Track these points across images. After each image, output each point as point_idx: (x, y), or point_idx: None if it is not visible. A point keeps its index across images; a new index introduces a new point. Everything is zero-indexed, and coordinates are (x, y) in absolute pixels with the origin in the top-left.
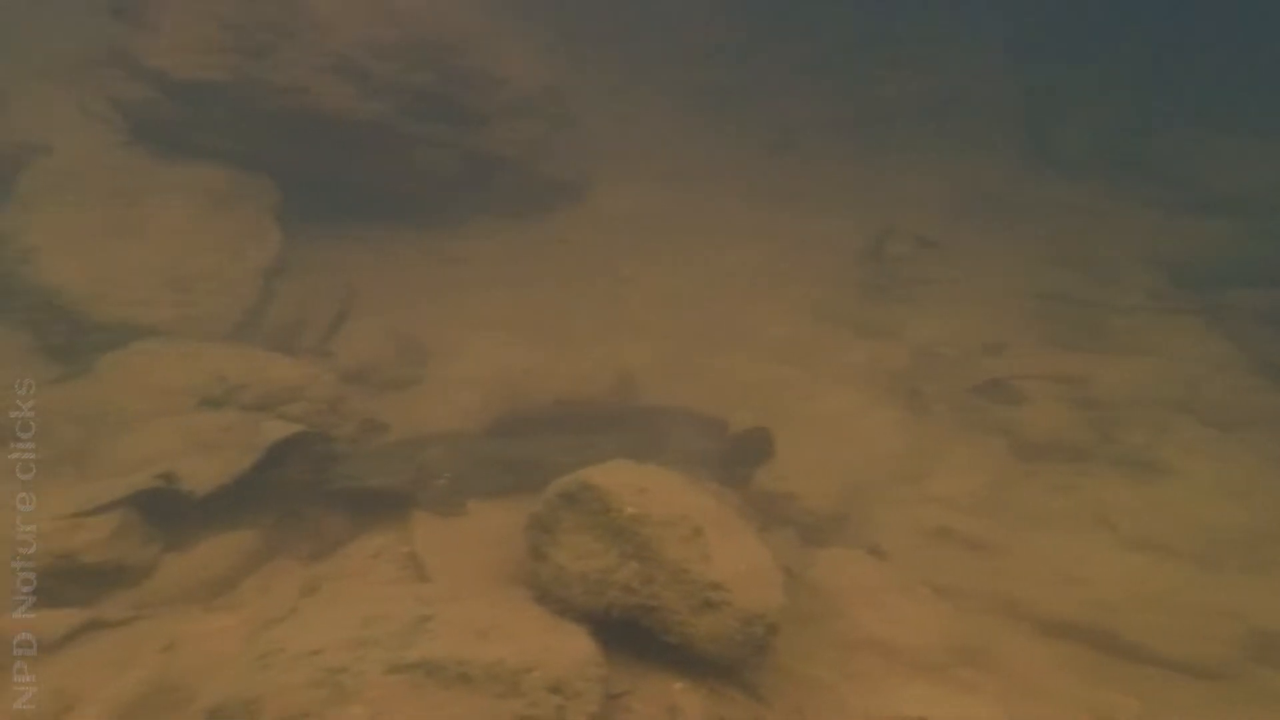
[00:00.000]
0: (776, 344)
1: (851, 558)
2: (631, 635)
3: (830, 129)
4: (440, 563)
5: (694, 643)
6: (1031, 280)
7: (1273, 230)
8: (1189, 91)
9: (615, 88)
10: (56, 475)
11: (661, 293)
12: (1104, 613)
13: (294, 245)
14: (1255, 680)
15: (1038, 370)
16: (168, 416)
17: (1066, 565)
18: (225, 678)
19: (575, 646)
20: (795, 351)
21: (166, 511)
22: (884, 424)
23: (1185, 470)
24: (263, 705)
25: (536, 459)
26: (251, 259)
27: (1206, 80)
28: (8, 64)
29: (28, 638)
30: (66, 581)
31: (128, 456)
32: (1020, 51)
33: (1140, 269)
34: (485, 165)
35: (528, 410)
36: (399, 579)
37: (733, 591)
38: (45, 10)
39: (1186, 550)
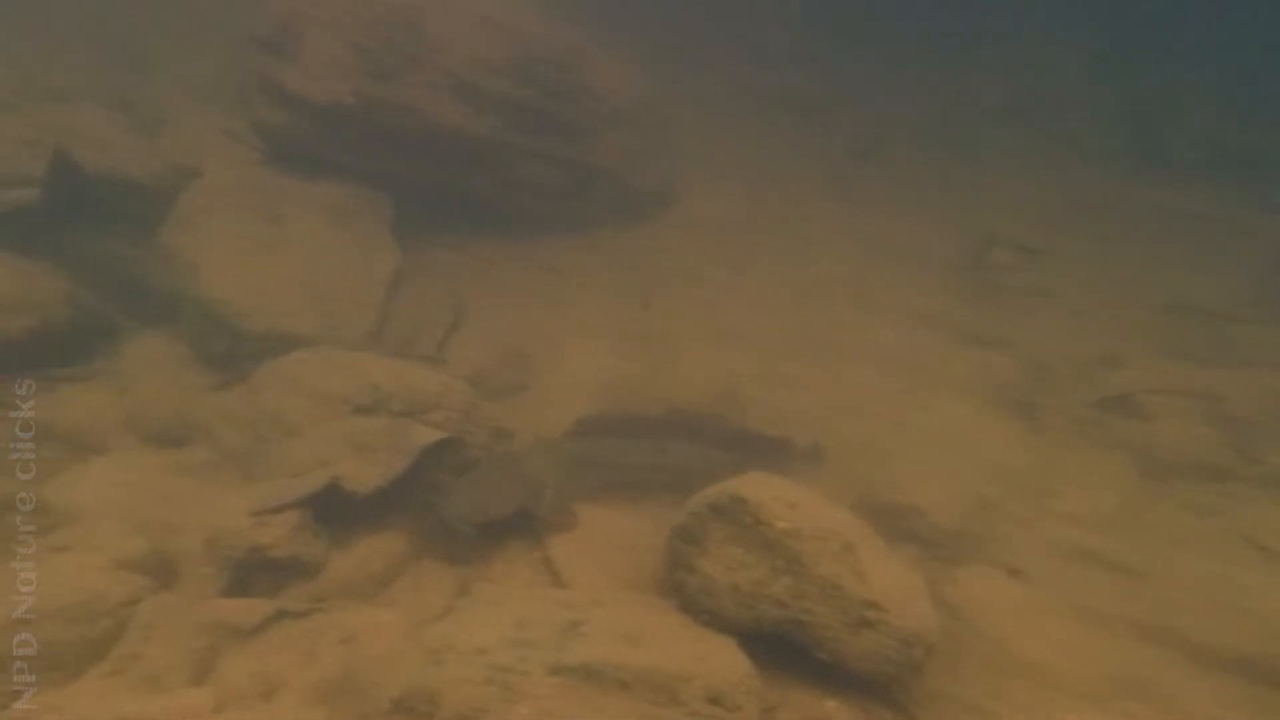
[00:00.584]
0: (879, 353)
1: (989, 577)
2: (778, 649)
3: (915, 134)
4: (573, 568)
5: (848, 661)
6: (1145, 289)
7: None
8: None
9: (699, 96)
10: (219, 476)
11: (757, 300)
12: (1275, 645)
13: (405, 256)
14: None
15: (1164, 385)
16: (326, 422)
17: (1223, 592)
18: (404, 671)
19: (729, 658)
20: (899, 361)
21: (331, 511)
22: (1000, 437)
23: None
24: (442, 698)
25: (620, 461)
26: (375, 271)
27: None
28: (163, 90)
29: (233, 622)
30: (256, 573)
31: (295, 458)
32: (1120, 53)
33: (1261, 277)
34: (583, 176)
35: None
36: (536, 583)
37: (889, 611)
38: (193, 40)
39: None
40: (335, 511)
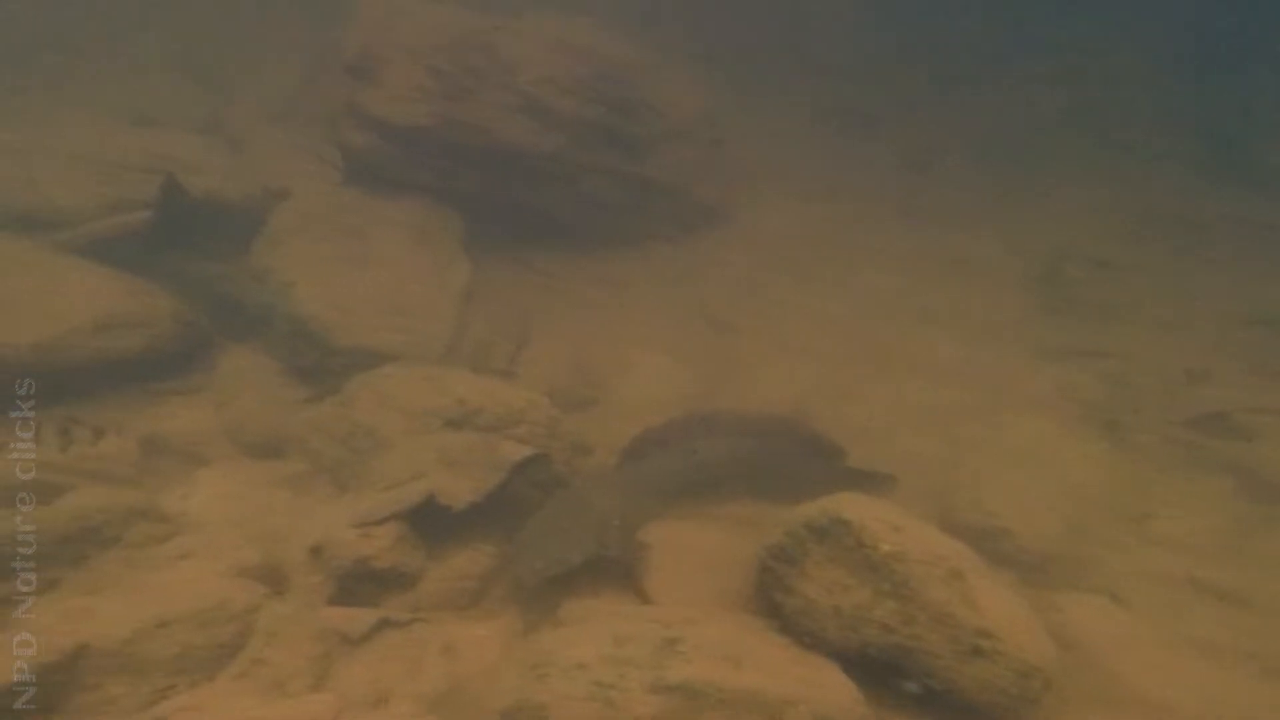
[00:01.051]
0: (950, 369)
1: (1092, 604)
2: (879, 674)
3: (974, 146)
4: (659, 587)
5: (960, 691)
6: (1226, 302)
7: None
8: None
9: (753, 108)
10: (314, 487)
11: (819, 314)
12: None
13: (474, 271)
14: None
15: (1262, 404)
16: (417, 436)
17: None
18: (507, 684)
19: (835, 682)
20: (972, 377)
21: (426, 524)
22: (1085, 457)
23: None
24: (549, 712)
25: (660, 472)
26: (450, 287)
27: None
28: (242, 113)
29: (344, 630)
30: (360, 583)
31: (387, 472)
32: (1191, 60)
33: None
34: (644, 191)
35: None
36: (623, 599)
37: (1004, 640)
38: (269, 65)
39: None
40: (429, 525)
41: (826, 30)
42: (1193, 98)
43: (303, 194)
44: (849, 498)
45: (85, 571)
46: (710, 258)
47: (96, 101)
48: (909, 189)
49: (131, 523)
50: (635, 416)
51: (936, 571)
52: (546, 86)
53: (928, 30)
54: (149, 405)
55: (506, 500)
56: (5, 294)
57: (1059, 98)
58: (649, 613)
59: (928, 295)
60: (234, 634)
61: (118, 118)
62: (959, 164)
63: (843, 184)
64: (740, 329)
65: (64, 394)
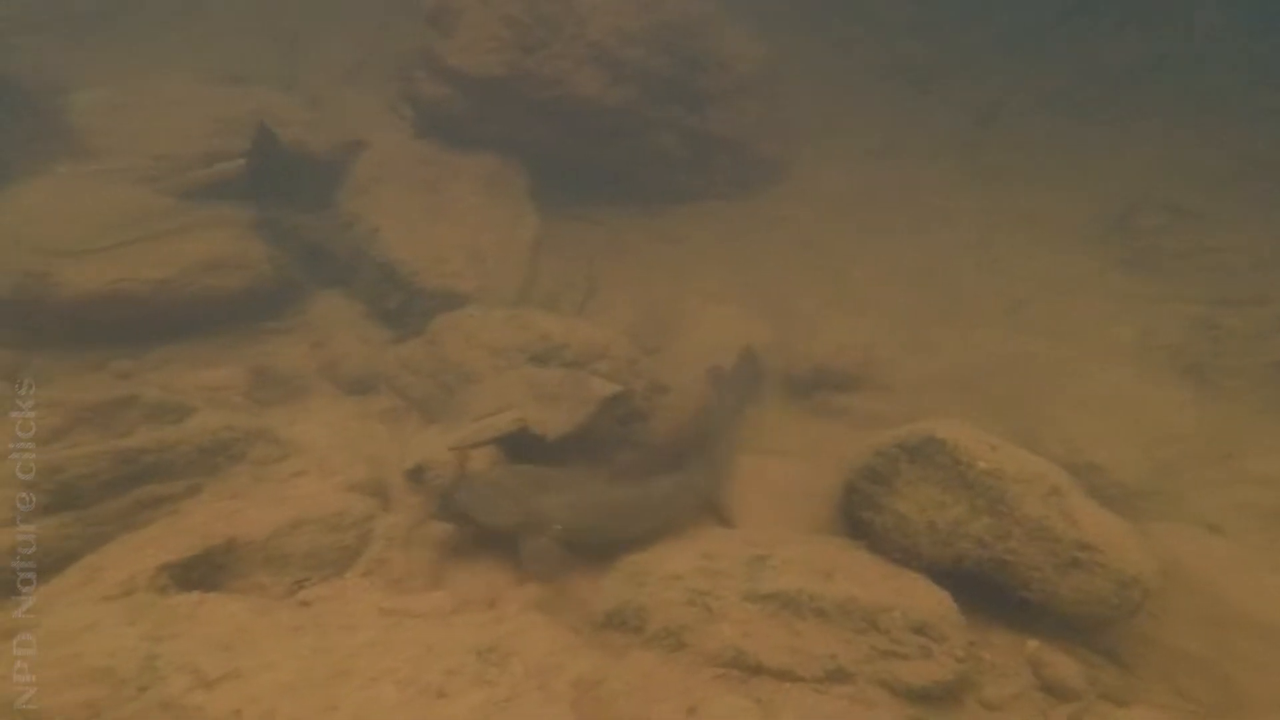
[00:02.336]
0: (1025, 320)
1: (1189, 533)
2: (972, 588)
3: (1041, 99)
4: (739, 511)
5: (1057, 602)
6: None
7: None
8: None
9: (813, 64)
10: (406, 420)
11: (883, 269)
12: None
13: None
14: None
15: None
16: (504, 371)
17: None
18: (611, 589)
19: (929, 591)
20: (1048, 327)
21: (518, 453)
22: (1170, 400)
23: None
24: (650, 613)
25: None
26: (520, 236)
27: None
28: (314, 72)
29: (451, 542)
30: None
31: (477, 405)
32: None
33: None
34: (707, 146)
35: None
36: (705, 522)
37: (1104, 552)
38: (337, 26)
39: None
40: (521, 453)
41: None
42: (1273, 43)
43: (382, 146)
44: (942, 420)
45: (221, 480)
46: (772, 213)
47: (183, 62)
48: (974, 144)
49: (253, 442)
50: (706, 361)
51: (1036, 489)
52: (616, 37)
53: None
54: (252, 343)
55: (590, 433)
56: (132, 235)
57: (1132, 48)
58: (735, 535)
59: (998, 249)
60: (355, 539)
61: (206, 77)
62: (1028, 118)
63: (905, 140)
64: (806, 282)
65: (178, 330)
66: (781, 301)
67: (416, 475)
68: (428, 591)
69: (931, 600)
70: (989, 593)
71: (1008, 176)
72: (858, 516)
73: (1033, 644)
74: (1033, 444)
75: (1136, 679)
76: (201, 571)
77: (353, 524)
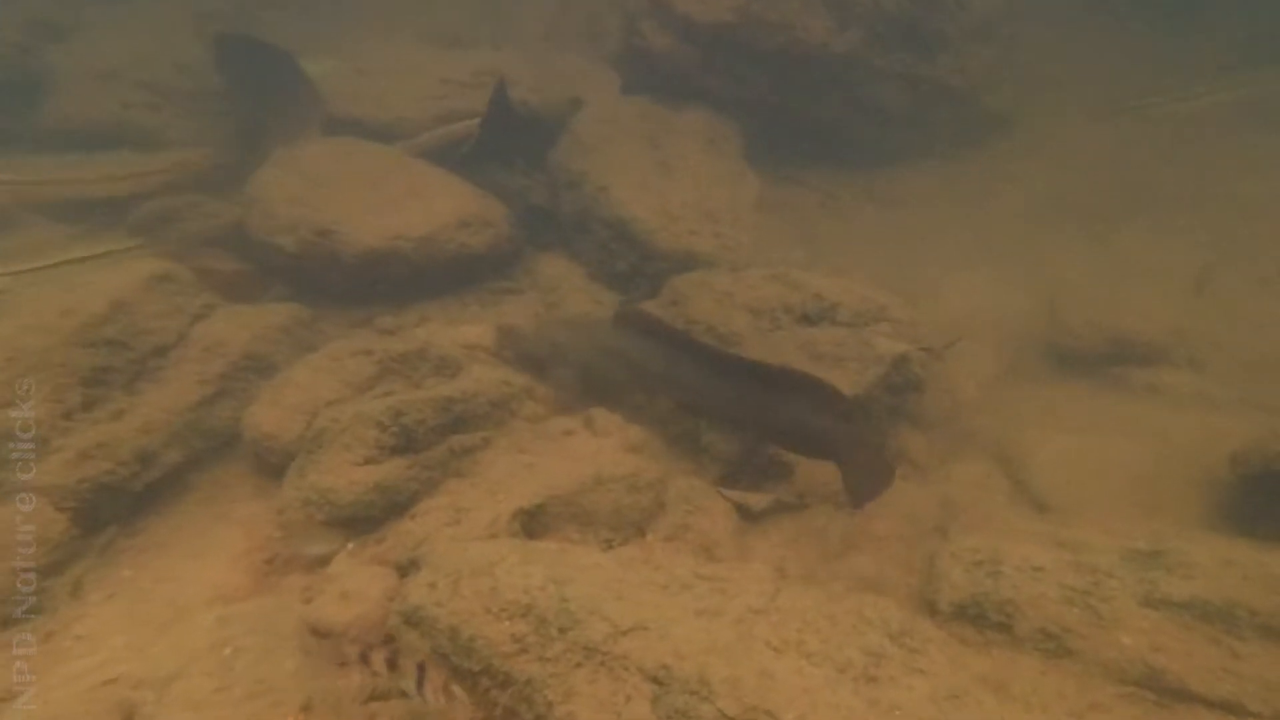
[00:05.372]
0: None
1: None
2: None
3: None
4: (1060, 496)
5: None
6: None
7: None
8: None
9: (1039, 4)
10: None
11: (1160, 231)
12: None
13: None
14: None
15: None
16: (771, 332)
17: None
18: (955, 578)
19: None
20: None
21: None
22: None
23: None
24: (1019, 611)
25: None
26: (743, 197)
27: None
28: (513, 33)
29: (746, 506)
30: (741, 471)
31: None
32: None
33: None
34: (930, 97)
35: None
36: (1012, 503)
37: None
38: None
39: None
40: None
41: None
42: None
43: (598, 104)
44: None
45: (505, 434)
46: (1002, 172)
47: (401, 25)
48: (1245, 94)
49: (523, 400)
50: (967, 331)
51: None
52: None
53: None
54: (490, 302)
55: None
56: (393, 194)
57: None
58: (1082, 523)
59: None
60: (651, 501)
61: (424, 39)
62: None
63: (1156, 89)
64: (1061, 245)
65: (428, 288)
66: (1037, 267)
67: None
68: (742, 561)
69: None
70: None
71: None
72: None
73: None
74: None
75: None
76: (542, 520)
77: (649, 485)
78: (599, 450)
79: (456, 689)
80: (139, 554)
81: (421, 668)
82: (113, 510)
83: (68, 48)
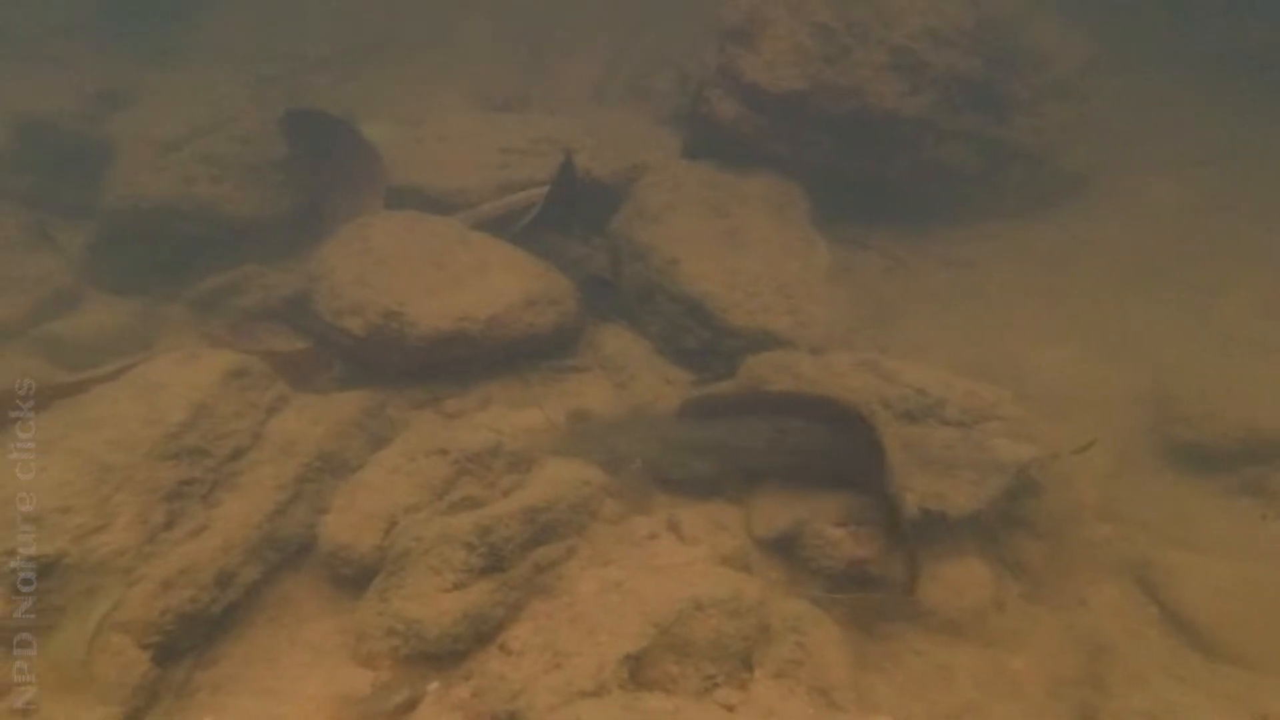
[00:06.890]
0: None
1: None
2: None
3: None
4: (1228, 638)
5: None
6: None
7: None
8: None
9: (1127, 56)
10: None
11: (1268, 300)
12: None
13: None
14: None
15: None
16: None
17: None
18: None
19: None
20: None
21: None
22: None
23: None
24: None
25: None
26: (815, 267)
27: None
28: (557, 91)
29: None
30: (847, 584)
31: None
32: None
33: None
34: (1002, 158)
35: None
36: (1167, 641)
37: None
38: (573, 44)
39: None
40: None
41: None
42: None
43: (660, 170)
44: None
45: (588, 541)
46: (1079, 236)
47: (442, 86)
48: None
49: (602, 498)
50: (1069, 418)
51: None
52: (927, 39)
53: None
54: (555, 380)
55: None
56: (457, 272)
57: None
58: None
59: None
60: (754, 627)
61: (472, 101)
62: None
63: (1229, 147)
64: (1156, 318)
65: (492, 368)
66: (1130, 341)
67: (789, 546)
68: (866, 714)
69: None
70: None
71: None
72: None
73: None
74: None
75: None
76: (645, 660)
77: (750, 609)
78: (690, 563)
79: None
80: (214, 693)
81: None
82: (190, 639)
83: (127, 116)
